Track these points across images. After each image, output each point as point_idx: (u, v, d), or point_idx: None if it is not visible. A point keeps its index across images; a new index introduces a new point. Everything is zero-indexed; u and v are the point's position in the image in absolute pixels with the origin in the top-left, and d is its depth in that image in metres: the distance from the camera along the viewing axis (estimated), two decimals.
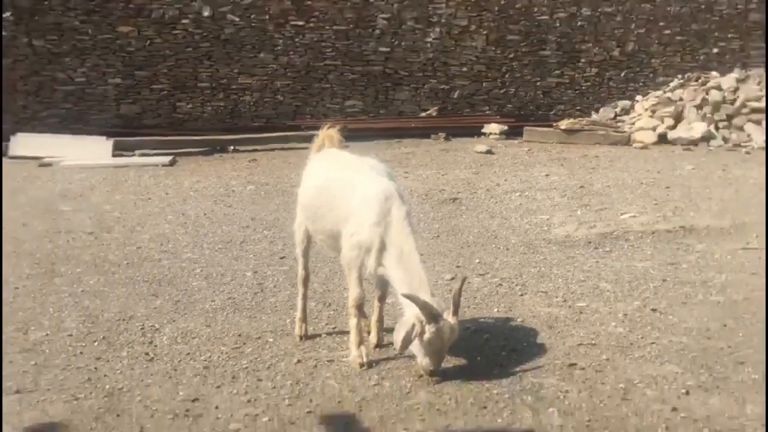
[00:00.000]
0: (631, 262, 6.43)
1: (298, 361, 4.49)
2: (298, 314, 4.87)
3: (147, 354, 4.62)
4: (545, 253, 6.76)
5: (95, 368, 4.41)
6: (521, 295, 5.67)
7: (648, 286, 5.80)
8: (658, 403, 3.97)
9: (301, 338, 4.79)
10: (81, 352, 4.63)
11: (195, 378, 4.29)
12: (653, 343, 4.73)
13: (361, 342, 4.44)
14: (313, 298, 5.39)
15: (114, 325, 5.07)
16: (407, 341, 4.09)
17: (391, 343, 4.56)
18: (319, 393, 4.10)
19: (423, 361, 4.19)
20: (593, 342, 4.75)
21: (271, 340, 4.83)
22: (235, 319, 5.18)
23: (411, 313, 4.11)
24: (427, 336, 4.08)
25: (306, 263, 4.93)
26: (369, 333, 4.73)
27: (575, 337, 4.85)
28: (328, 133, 5.08)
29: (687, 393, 4.07)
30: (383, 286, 4.64)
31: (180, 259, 6.60)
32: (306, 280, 4.94)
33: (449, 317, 4.13)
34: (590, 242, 7.06)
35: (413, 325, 4.07)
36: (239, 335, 4.90)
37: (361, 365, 4.36)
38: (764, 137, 12.12)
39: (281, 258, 6.61)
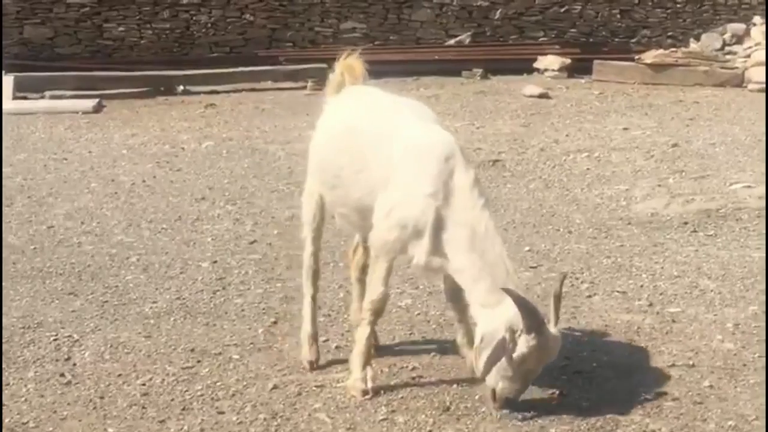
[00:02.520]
0: (745, 252, 6.40)
1: (275, 387, 4.49)
2: (306, 329, 4.75)
3: (62, 375, 4.61)
4: (623, 237, 6.74)
5: None
6: (589, 296, 5.66)
7: None
8: None
9: (312, 366, 4.68)
10: None
11: (129, 409, 4.29)
12: None
13: (368, 361, 4.43)
14: (294, 300, 5.38)
15: (16, 335, 5.07)
16: (496, 359, 4.02)
17: (407, 357, 4.57)
18: (304, 431, 4.10)
19: (501, 385, 4.10)
20: (691, 362, 4.74)
21: (237, 356, 4.82)
22: (186, 328, 5.18)
23: (500, 321, 4.04)
24: (523, 350, 4.00)
25: (317, 251, 4.81)
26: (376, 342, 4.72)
27: (666, 355, 4.84)
28: (347, 63, 4.89)
29: None
30: (458, 291, 4.44)
31: (108, 243, 6.60)
32: (316, 277, 4.83)
33: (550, 327, 4.09)
34: (686, 223, 7.03)
35: (504, 339, 3.99)
36: (192, 350, 4.90)
37: (365, 393, 4.35)
38: None
39: (251, 243, 6.61)
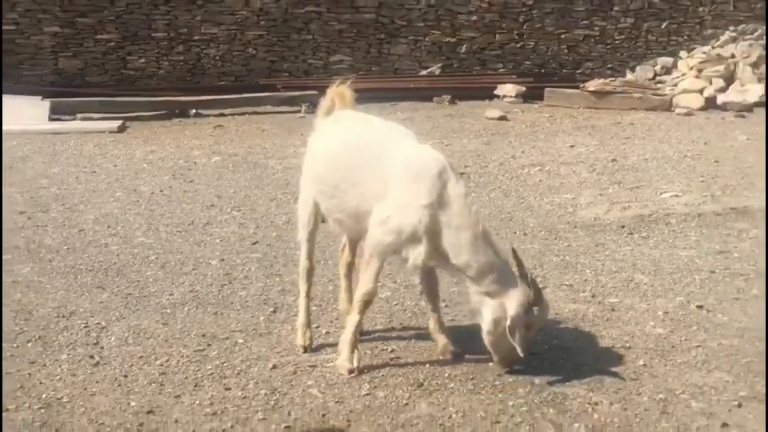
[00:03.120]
0: (673, 251, 6.43)
1: (274, 367, 4.48)
2: (301, 318, 4.74)
3: (92, 357, 4.60)
4: (570, 239, 6.76)
5: (29, 374, 4.39)
6: (541, 288, 5.64)
7: (693, 278, 5.81)
8: (705, 417, 3.98)
9: (305, 349, 4.67)
10: (12, 355, 4.61)
11: (149, 386, 4.28)
12: (699, 346, 4.74)
13: (355, 345, 4.43)
14: (291, 292, 5.38)
15: (52, 323, 5.05)
16: (521, 333, 4.18)
17: (388, 342, 4.58)
18: (299, 404, 4.10)
19: (520, 347, 4.17)
20: (627, 345, 4.76)
21: (241, 341, 4.81)
22: (198, 316, 5.17)
23: (514, 304, 4.15)
24: (536, 320, 4.26)
25: (311, 251, 4.77)
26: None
27: (606, 338, 4.86)
28: (338, 90, 4.86)
29: (739, 405, 4.09)
30: (432, 285, 4.62)
31: (131, 244, 6.58)
32: (311, 273, 4.79)
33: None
34: (623, 226, 7.06)
35: (521, 316, 4.16)
36: (203, 335, 4.88)
37: (351, 371, 4.35)
38: None
39: (253, 243, 6.60)
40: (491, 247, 4.24)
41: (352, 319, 4.40)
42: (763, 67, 12.88)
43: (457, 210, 4.18)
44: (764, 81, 12.75)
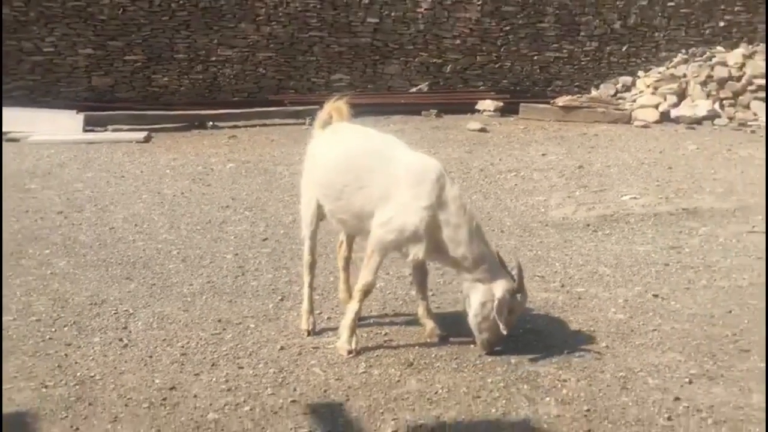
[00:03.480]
0: (632, 246, 6.44)
1: (282, 348, 4.48)
2: (305, 305, 4.73)
3: (121, 340, 4.59)
4: (542, 236, 6.76)
5: (65, 355, 4.39)
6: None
7: (649, 270, 5.82)
8: (660, 392, 3.99)
9: (309, 333, 4.66)
10: (50, 338, 4.60)
11: (172, 365, 4.28)
12: (655, 330, 4.75)
13: (354, 330, 4.42)
14: (296, 282, 5.37)
15: (85, 310, 5.04)
16: (503, 312, 4.21)
17: (381, 326, 4.58)
18: (304, 381, 4.10)
19: (504, 328, 4.22)
20: (592, 329, 4.77)
21: (253, 325, 4.81)
22: (215, 304, 5.16)
23: (501, 289, 4.19)
24: (517, 305, 4.30)
25: (313, 247, 4.75)
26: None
27: (573, 323, 4.87)
28: (336, 105, 4.86)
29: (690, 382, 4.10)
30: (422, 277, 4.62)
31: (156, 240, 6.56)
32: (313, 266, 4.77)
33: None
34: (589, 225, 7.07)
35: (506, 299, 4.20)
36: (219, 320, 4.88)
37: (350, 352, 4.35)
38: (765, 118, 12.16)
39: (263, 240, 6.59)
40: (482, 240, 4.29)
41: (352, 307, 4.40)
42: (711, 85, 12.89)
43: (454, 209, 4.20)
44: (712, 98, 12.76)
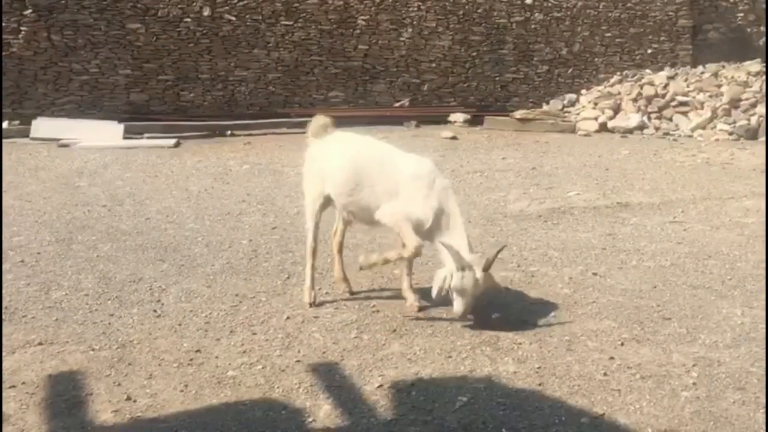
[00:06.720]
0: (576, 233, 6.46)
1: (288, 318, 4.47)
2: (307, 282, 4.68)
3: (155, 311, 4.57)
4: (502, 225, 6.77)
5: (109, 323, 4.37)
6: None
7: (590, 253, 5.84)
8: (598, 352, 4.01)
9: (311, 304, 4.62)
10: (96, 309, 4.58)
11: (197, 332, 4.27)
12: (594, 302, 4.76)
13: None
14: (300, 263, 5.36)
15: (125, 286, 5.01)
16: (440, 287, 4.16)
17: (370, 299, 4.58)
18: (306, 344, 4.09)
19: (454, 304, 4.18)
20: (543, 301, 4.78)
21: (264, 299, 4.80)
22: (233, 281, 5.15)
23: (476, 262, 4.14)
24: (453, 282, 4.11)
25: (316, 235, 4.72)
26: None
27: (528, 297, 4.88)
28: (319, 117, 4.91)
29: (622, 344, 4.12)
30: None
31: (184, 228, 6.53)
32: (315, 252, 4.73)
33: (477, 271, 4.12)
34: (540, 216, 7.08)
35: (450, 275, 4.12)
36: (236, 295, 4.86)
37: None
38: (689, 126, 12.21)
39: (273, 228, 6.57)
40: (460, 225, 4.27)
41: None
42: (641, 101, 12.93)
43: (448, 197, 4.27)
44: (641, 112, 12.80)
